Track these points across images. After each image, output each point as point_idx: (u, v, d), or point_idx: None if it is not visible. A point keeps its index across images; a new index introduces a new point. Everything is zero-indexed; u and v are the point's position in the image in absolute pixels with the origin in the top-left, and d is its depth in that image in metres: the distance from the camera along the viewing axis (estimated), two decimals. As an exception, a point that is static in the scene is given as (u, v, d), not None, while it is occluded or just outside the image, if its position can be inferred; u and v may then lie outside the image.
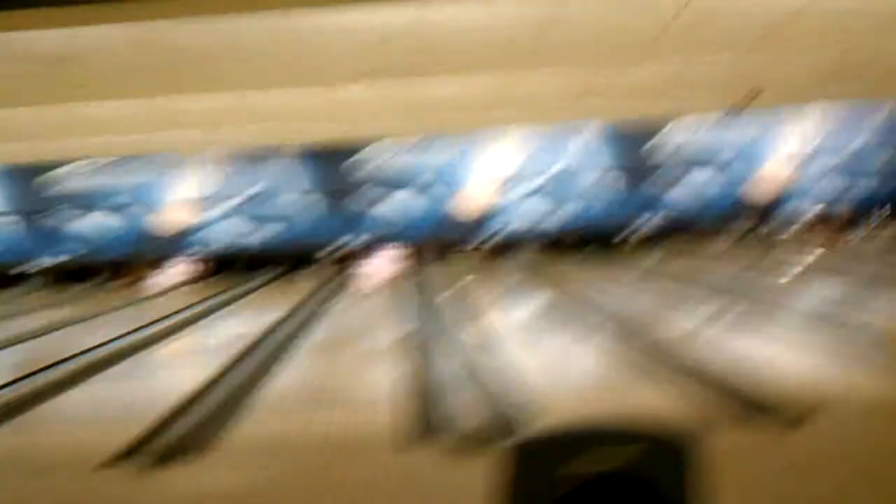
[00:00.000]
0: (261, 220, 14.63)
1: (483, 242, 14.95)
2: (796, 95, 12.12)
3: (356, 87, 8.15)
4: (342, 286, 11.78)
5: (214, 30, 5.77)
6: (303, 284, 12.28)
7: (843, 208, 15.08)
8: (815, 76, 9.66)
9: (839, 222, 15.25)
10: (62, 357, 6.57)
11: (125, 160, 14.35)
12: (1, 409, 4.87)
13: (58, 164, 14.21)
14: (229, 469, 3.54)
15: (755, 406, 3.97)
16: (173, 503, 3.26)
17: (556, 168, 14.70)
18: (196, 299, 11.10)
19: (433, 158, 14.65)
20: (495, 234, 14.80)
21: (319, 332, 7.64)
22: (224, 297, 11.12)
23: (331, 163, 14.60)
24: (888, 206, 15.29)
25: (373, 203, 14.70)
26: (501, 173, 14.72)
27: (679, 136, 14.78)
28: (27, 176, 14.33)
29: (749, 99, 10.27)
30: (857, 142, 14.92)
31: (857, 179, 14.93)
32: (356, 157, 14.62)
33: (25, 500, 3.37)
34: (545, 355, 6.24)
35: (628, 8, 6.12)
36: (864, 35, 7.52)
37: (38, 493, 3.44)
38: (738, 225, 14.90)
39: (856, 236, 13.58)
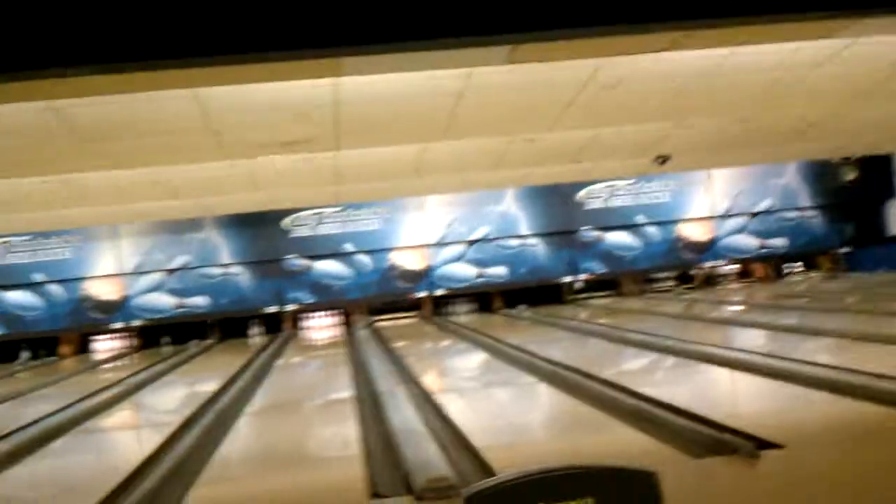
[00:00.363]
0: (188, 291, 14.57)
1: (413, 303, 15.23)
2: (702, 160, 12.63)
3: (277, 158, 8.23)
4: (279, 350, 11.78)
5: (121, 107, 5.80)
6: (238, 351, 12.26)
7: (758, 262, 15.93)
8: (718, 143, 10.08)
9: (758, 272, 16.01)
10: (4, 432, 6.48)
11: (45, 236, 14.20)
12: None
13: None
14: None
15: (710, 443, 4.08)
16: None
17: (480, 232, 15.04)
18: (132, 370, 10.94)
19: (358, 225, 14.85)
20: (426, 294, 15.02)
21: (262, 396, 7.64)
22: (161, 366, 10.98)
23: (255, 231, 14.66)
24: (800, 263, 16.15)
25: (301, 269, 14.77)
26: (427, 238, 14.96)
27: (595, 199, 15.32)
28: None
29: (658, 164, 10.64)
30: (764, 203, 15.71)
31: (767, 238, 15.73)
32: (280, 225, 14.71)
33: None
34: (493, 407, 6.33)
35: (537, 80, 6.33)
36: (759, 102, 7.89)
37: None
38: (662, 278, 15.80)
39: (774, 287, 14.11)
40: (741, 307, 12.42)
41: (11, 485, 5.12)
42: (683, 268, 15.92)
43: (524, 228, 15.19)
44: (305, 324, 15.21)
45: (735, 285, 15.90)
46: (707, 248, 15.70)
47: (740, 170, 15.49)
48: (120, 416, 7.72)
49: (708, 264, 15.86)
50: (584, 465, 1.92)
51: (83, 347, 15.02)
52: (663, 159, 10.59)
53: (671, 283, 16.20)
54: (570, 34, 3.39)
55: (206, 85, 4.90)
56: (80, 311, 14.48)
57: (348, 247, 14.86)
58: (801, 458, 3.83)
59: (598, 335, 9.97)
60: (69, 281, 14.48)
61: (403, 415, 5.68)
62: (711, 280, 16.14)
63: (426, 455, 4.39)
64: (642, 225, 15.45)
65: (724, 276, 16.23)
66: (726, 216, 15.72)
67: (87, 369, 12.35)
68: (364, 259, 14.92)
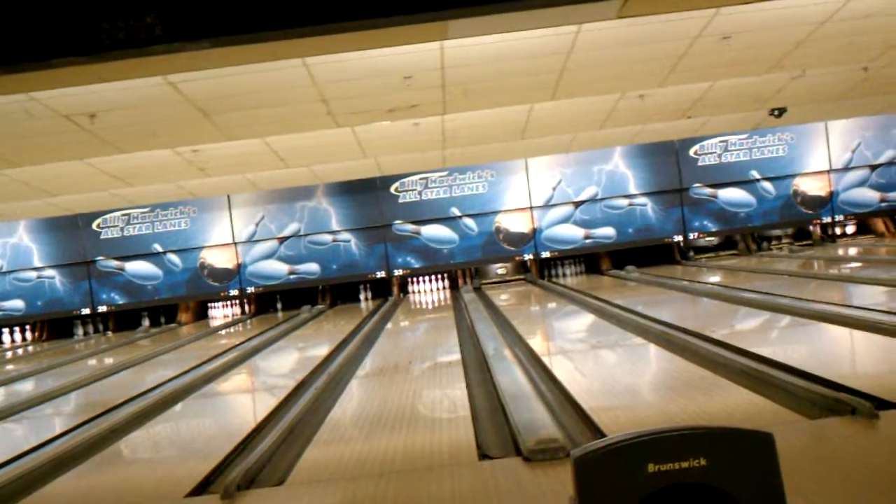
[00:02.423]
0: (299, 258, 14.91)
1: (522, 265, 15.25)
2: (820, 112, 12.15)
3: (384, 124, 8.30)
4: (388, 315, 11.98)
5: (235, 79, 5.93)
6: (349, 315, 12.53)
7: (879, 216, 15.32)
8: (837, 93, 9.68)
9: (879, 227, 15.41)
10: (127, 398, 6.83)
11: (163, 207, 14.72)
12: (77, 447, 5.04)
13: (96, 216, 14.62)
14: (309, 497, 3.63)
15: (827, 404, 3.99)
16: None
17: (587, 193, 14.87)
18: (247, 336, 11.30)
19: (463, 189, 14.88)
20: (533, 256, 15.00)
21: (372, 359, 7.80)
22: (274, 332, 11.31)
23: (363, 198, 14.85)
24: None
25: (408, 235, 14.92)
26: (533, 201, 14.89)
27: (708, 155, 14.94)
28: (66, 227, 14.72)
29: (773, 117, 10.29)
30: (886, 154, 15.02)
31: (889, 191, 15.05)
32: (387, 190, 14.86)
33: None
34: (602, 369, 6.30)
35: (647, 34, 6.19)
36: (881, 49, 7.53)
37: None
38: (777, 235, 15.38)
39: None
40: (860, 264, 11.97)
41: (133, 446, 5.37)
42: (800, 224, 15.40)
43: (633, 187, 14.94)
44: (413, 288, 15.39)
45: (854, 241, 15.31)
46: (825, 204, 15.14)
47: (860, 120, 14.83)
48: (236, 380, 7.97)
49: (826, 220, 15.29)
50: (697, 427, 1.89)
51: (201, 314, 15.58)
52: (779, 112, 10.24)
53: (787, 240, 15.72)
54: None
55: (314, 54, 4.96)
56: (197, 280, 14.98)
57: (454, 211, 14.91)
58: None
59: (709, 295, 9.77)
60: (187, 251, 14.98)
61: (511, 377, 5.70)
62: (829, 236, 15.59)
63: (534, 417, 4.40)
64: (757, 181, 15.00)
65: (843, 232, 15.65)
66: (845, 169, 15.11)
67: (205, 335, 12.79)
68: (470, 223, 14.94)
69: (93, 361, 11.10)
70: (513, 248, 14.99)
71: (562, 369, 6.17)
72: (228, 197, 14.80)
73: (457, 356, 7.21)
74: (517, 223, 14.97)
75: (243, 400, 7.31)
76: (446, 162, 12.87)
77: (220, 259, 14.99)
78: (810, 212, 15.14)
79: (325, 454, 4.39)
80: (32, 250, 14.95)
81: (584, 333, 8.60)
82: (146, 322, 15.44)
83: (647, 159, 14.87)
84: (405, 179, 14.87)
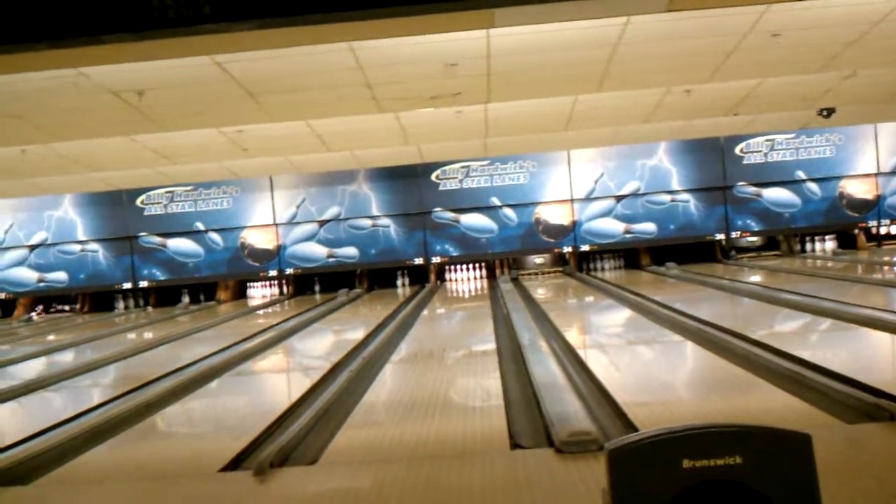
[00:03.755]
0: (338, 242, 14.99)
1: (560, 257, 15.20)
2: (870, 114, 11.94)
3: (427, 111, 8.30)
4: (424, 301, 12.01)
5: (281, 62, 5.96)
6: (385, 301, 12.58)
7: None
8: (888, 95, 9.51)
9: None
10: (165, 372, 6.93)
11: (206, 186, 14.87)
12: (113, 420, 5.13)
13: (140, 192, 14.81)
14: (341, 478, 3.65)
15: (865, 409, 3.94)
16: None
17: (629, 187, 14.77)
18: (285, 317, 11.41)
19: (504, 179, 14.85)
20: (572, 249, 14.94)
21: (407, 345, 7.83)
22: (311, 313, 11.39)
23: (404, 184, 14.89)
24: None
25: (447, 222, 14.93)
26: (574, 193, 14.82)
27: (754, 153, 14.76)
28: (110, 202, 14.93)
29: (822, 117, 10.14)
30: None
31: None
32: (428, 178, 14.87)
33: (160, 500, 3.60)
34: (637, 364, 6.30)
35: (696, 28, 6.12)
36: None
37: (173, 492, 3.67)
38: (825, 235, 15.17)
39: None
40: (907, 270, 11.76)
41: (168, 421, 5.43)
42: (845, 227, 15.17)
43: (676, 184, 14.81)
44: (450, 276, 15.41)
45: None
46: (871, 207, 14.89)
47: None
48: (272, 359, 8.03)
49: (872, 223, 15.05)
50: (732, 424, 1.87)
51: (240, 293, 15.73)
52: (828, 112, 10.08)
53: (831, 242, 15.50)
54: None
55: (361, 38, 4.97)
56: (237, 259, 15.12)
57: (494, 200, 14.89)
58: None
59: (749, 295, 9.67)
60: (228, 230, 15.12)
61: (546, 368, 5.68)
62: (875, 240, 15.34)
63: (568, 409, 4.38)
64: (802, 181, 14.79)
65: (889, 234, 15.39)
66: (894, 173, 14.85)
67: (243, 314, 12.91)
68: (509, 213, 14.91)
69: (132, 335, 11.25)
70: (552, 240, 14.94)
71: (597, 363, 6.14)
72: (270, 178, 14.91)
73: (492, 345, 7.20)
74: (557, 215, 14.91)
75: (278, 380, 7.37)
76: (488, 151, 12.85)
77: (261, 239, 15.11)
78: (856, 214, 14.91)
79: (357, 436, 4.42)
80: (77, 224, 15.18)
81: (620, 328, 8.56)
82: (186, 299, 15.62)
83: (691, 155, 14.73)
84: (446, 167, 14.87)
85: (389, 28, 3.93)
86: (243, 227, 15.12)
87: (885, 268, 12.19)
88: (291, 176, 14.75)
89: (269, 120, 8.05)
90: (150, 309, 15.28)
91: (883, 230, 15.37)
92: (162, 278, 15.20)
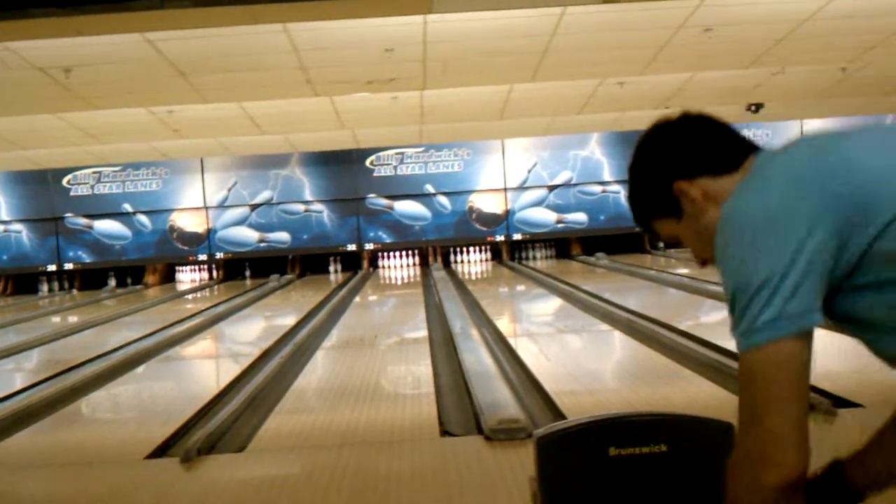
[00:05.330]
0: (270, 227, 14.83)
1: (492, 246, 15.26)
2: (797, 110, 12.24)
3: (363, 95, 8.25)
4: (357, 288, 11.96)
5: (215, 41, 5.87)
6: (317, 287, 12.49)
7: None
8: (815, 92, 9.75)
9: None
10: (89, 357, 6.77)
11: (135, 167, 14.57)
12: (38, 404, 5.02)
13: (67, 172, 14.44)
14: (269, 465, 3.63)
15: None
16: (217, 492, 3.36)
17: (562, 177, 14.90)
18: (214, 302, 11.26)
19: (438, 167, 14.86)
20: (504, 238, 15.02)
21: (338, 332, 7.79)
22: (241, 299, 11.26)
23: (338, 169, 14.79)
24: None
25: (381, 209, 14.88)
26: (507, 182, 14.90)
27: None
28: (35, 182, 14.53)
29: (751, 112, 10.35)
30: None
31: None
32: (362, 163, 14.80)
33: (86, 486, 3.52)
34: (567, 353, 6.36)
35: (631, 21, 6.19)
36: (860, 51, 7.59)
37: (96, 479, 3.61)
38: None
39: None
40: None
41: (94, 407, 5.33)
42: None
43: (607, 175, 14.99)
44: (383, 263, 15.37)
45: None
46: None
47: (837, 120, 14.93)
48: (201, 345, 7.94)
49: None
50: (658, 413, 1.91)
51: (168, 277, 15.48)
52: (756, 107, 10.30)
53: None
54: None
55: (297, 20, 4.92)
56: (166, 242, 14.86)
57: (429, 188, 14.89)
58: (879, 418, 3.74)
59: (676, 286, 9.84)
60: (157, 212, 14.85)
61: (476, 356, 5.71)
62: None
63: (497, 397, 4.42)
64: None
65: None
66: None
67: (171, 299, 12.72)
68: (443, 201, 14.93)
69: (56, 319, 11.01)
70: (485, 229, 15.01)
71: (527, 351, 6.19)
72: (202, 160, 14.67)
73: (423, 333, 7.21)
74: (491, 203, 14.98)
75: (207, 365, 7.28)
76: (423, 138, 12.84)
77: (190, 223, 14.88)
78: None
79: (287, 423, 4.39)
80: (0, 203, 14.76)
81: (551, 317, 8.64)
82: (112, 282, 15.31)
83: (622, 147, 14.90)
84: (381, 153, 14.81)
85: (326, 11, 3.90)
86: (172, 210, 14.87)
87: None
88: (223, 158, 14.54)
89: (202, 101, 7.92)
90: (75, 292, 14.94)
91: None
92: (88, 261, 14.87)
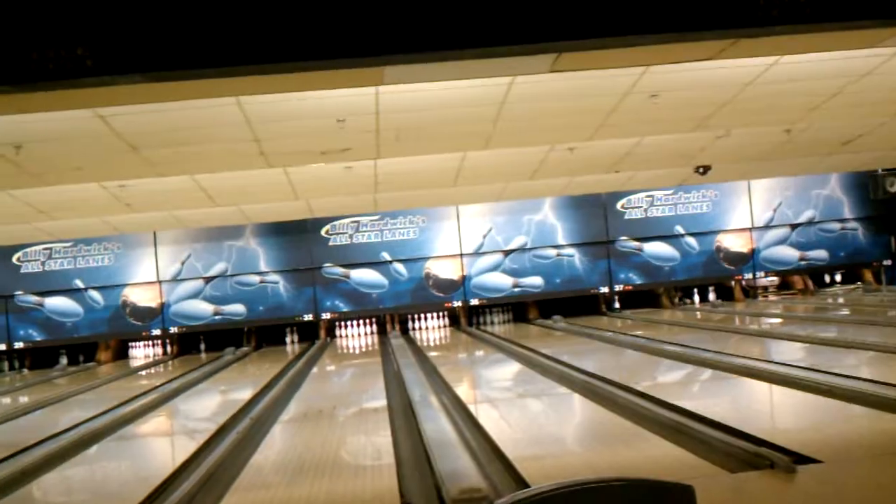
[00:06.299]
0: (225, 299, 14.68)
1: (450, 312, 15.23)
2: (743, 171, 12.50)
3: (316, 166, 8.28)
4: (314, 359, 11.84)
5: (166, 115, 5.87)
6: (274, 358, 12.34)
7: (799, 274, 15.79)
8: (760, 153, 9.98)
9: (798, 284, 15.86)
10: (41, 438, 6.58)
11: (86, 242, 14.40)
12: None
13: (17, 249, 14.22)
14: None
15: (747, 457, 4.04)
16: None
17: (517, 242, 15.00)
18: (169, 377, 11.06)
19: (394, 234, 14.88)
20: (461, 303, 15.01)
21: (296, 404, 7.69)
22: (197, 373, 11.08)
23: (293, 240, 14.74)
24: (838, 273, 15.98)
25: (337, 278, 14.83)
26: (463, 248, 14.96)
27: (634, 209, 15.23)
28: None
29: (698, 174, 10.55)
30: (807, 213, 15.51)
31: (809, 249, 15.52)
32: (317, 233, 14.78)
33: None
34: (527, 418, 6.32)
35: (579, 88, 6.31)
36: (803, 113, 7.80)
37: None
38: (700, 289, 15.71)
39: (814, 299, 13.91)
40: (780, 319, 12.26)
41: (45, 490, 5.18)
42: (722, 279, 15.75)
43: (561, 238, 15.13)
44: (341, 332, 15.27)
45: (775, 298, 15.71)
46: (747, 260, 15.52)
47: (781, 180, 15.30)
48: (155, 422, 7.78)
49: (747, 276, 15.67)
50: (619, 479, 1.90)
51: (121, 353, 15.19)
52: (704, 169, 10.50)
53: (710, 294, 16.03)
54: (615, 42, 3.36)
55: (248, 93, 4.94)
56: (118, 318, 14.63)
57: (385, 255, 14.90)
58: (839, 474, 3.77)
59: (633, 347, 9.89)
60: (109, 287, 14.64)
61: (437, 424, 5.67)
62: (750, 292, 15.96)
63: (459, 465, 4.38)
64: (681, 236, 15.32)
65: (764, 287, 16.04)
66: (767, 227, 15.53)
67: (125, 376, 12.48)
68: (400, 268, 14.93)
69: (6, 400, 10.72)
70: (442, 295, 15.01)
71: (487, 418, 6.15)
72: (154, 234, 14.55)
73: (383, 402, 7.14)
74: (447, 270, 15.00)
75: (162, 443, 7.13)
76: (378, 206, 12.87)
77: (144, 297, 14.68)
78: (732, 268, 15.51)
79: (245, 500, 4.30)
80: (-54, 282, 14.46)
81: (510, 382, 8.62)
82: (64, 360, 14.96)
83: (575, 211, 15.09)
84: (336, 222, 14.82)
85: (279, 84, 3.92)
86: (125, 285, 14.67)
87: (760, 319, 12.68)
88: (176, 232, 14.42)
89: (154, 174, 7.88)
90: (25, 371, 14.58)
91: (758, 282, 15.99)
92: (38, 339, 14.56)
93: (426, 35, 3.27)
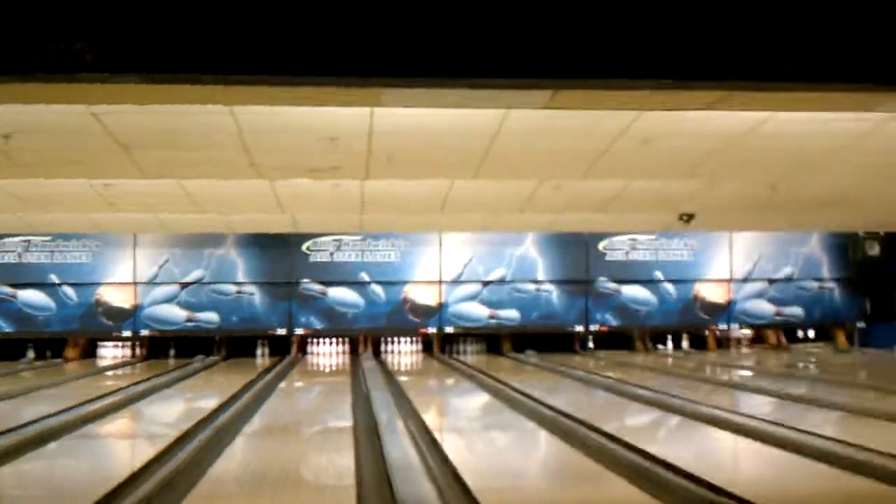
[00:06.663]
0: (199, 306, 14.61)
1: (424, 338, 15.20)
2: (727, 222, 12.61)
3: (304, 181, 8.28)
4: (284, 373, 11.77)
5: (160, 118, 5.87)
6: (243, 370, 12.25)
7: (772, 329, 15.92)
8: (745, 206, 10.07)
9: (771, 339, 15.99)
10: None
11: (65, 238, 14.32)
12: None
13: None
14: None
15: (709, 501, 4.05)
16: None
17: (496, 273, 15.04)
18: (135, 380, 10.97)
19: (375, 256, 14.89)
20: (437, 330, 14.99)
21: (261, 417, 7.64)
22: (164, 378, 10.99)
23: (273, 252, 14.71)
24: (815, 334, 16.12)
25: (314, 294, 14.79)
26: (442, 275, 14.98)
27: (616, 251, 15.31)
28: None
29: (683, 222, 10.63)
30: (785, 270, 15.65)
31: (785, 305, 15.65)
32: (298, 248, 14.77)
33: None
34: (492, 450, 6.32)
35: (572, 127, 6.36)
36: (790, 169, 7.89)
37: None
38: (674, 335, 15.80)
39: (786, 355, 14.00)
40: (751, 372, 12.32)
41: (6, 479, 5.12)
42: (697, 328, 15.83)
43: (541, 274, 15.17)
44: (313, 349, 15.20)
45: (747, 350, 15.79)
46: (722, 311, 15.62)
47: (763, 234, 15.44)
48: (117, 424, 7.70)
49: (722, 327, 15.76)
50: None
51: (90, 352, 15.05)
52: (688, 217, 10.58)
53: (684, 342, 16.11)
54: (612, 84, 3.40)
55: (244, 103, 4.95)
56: (90, 316, 14.52)
57: (363, 276, 14.88)
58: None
59: (604, 387, 9.91)
60: (83, 285, 14.54)
61: (401, 449, 5.65)
62: (724, 342, 16.05)
63: (420, 492, 4.36)
64: (660, 281, 15.40)
65: (738, 340, 16.13)
66: (745, 280, 15.65)
67: (91, 374, 12.36)
68: (378, 290, 14.92)
69: (-32, 389, 10.58)
70: (418, 320, 14.99)
71: (452, 446, 6.13)
72: (134, 236, 14.48)
73: (348, 423, 7.11)
74: (425, 295, 15.00)
75: (122, 445, 7.05)
76: (363, 226, 12.88)
77: (118, 297, 14.59)
78: (708, 317, 15.59)
79: (202, 509, 4.26)
80: (-81, 266, 14.32)
81: (478, 412, 8.60)
82: (31, 354, 14.82)
83: (557, 248, 15.15)
84: (318, 239, 14.81)
85: (276, 96, 3.94)
86: (100, 284, 14.58)
87: (732, 370, 12.73)
88: (156, 235, 14.36)
89: (141, 176, 7.86)
90: (-9, 362, 14.42)
91: (733, 334, 16.08)
92: (8, 330, 14.43)
93: (425, 60, 3.30)
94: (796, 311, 15.77)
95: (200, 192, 9.03)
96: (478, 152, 7.05)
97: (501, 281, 15.10)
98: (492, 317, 15.09)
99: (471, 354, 15.19)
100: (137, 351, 15.04)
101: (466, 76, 3.28)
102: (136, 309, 14.59)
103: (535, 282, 15.17)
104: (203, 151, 6.99)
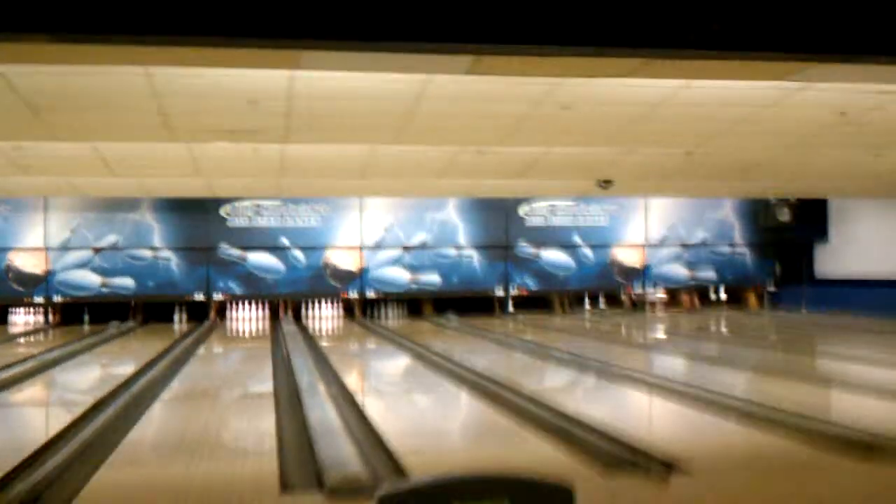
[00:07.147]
0: (114, 271, 14.30)
1: (345, 302, 15.17)
2: (643, 188, 12.84)
3: (222, 144, 8.14)
4: (202, 339, 11.62)
5: (70, 78, 5.69)
6: (160, 336, 12.06)
7: (686, 292, 16.32)
8: (661, 172, 10.26)
9: (685, 302, 16.38)
10: None
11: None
12: None
13: None
14: None
15: (623, 464, 4.15)
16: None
17: (418, 238, 15.06)
18: (48, 346, 10.71)
19: (295, 221, 14.76)
20: (358, 295, 14.97)
21: (179, 383, 7.54)
22: (78, 345, 10.75)
23: (191, 217, 14.46)
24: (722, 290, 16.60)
25: (233, 260, 14.61)
26: (363, 240, 14.95)
27: (536, 216, 15.48)
28: None
29: (601, 187, 10.78)
30: (698, 235, 16.05)
31: (698, 269, 16.06)
32: (216, 212, 14.55)
33: None
34: (413, 412, 6.38)
35: (494, 93, 6.38)
36: (705, 137, 8.06)
37: None
38: (592, 298, 16.07)
39: (699, 317, 14.38)
40: (665, 334, 12.64)
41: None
42: (614, 291, 16.14)
43: (462, 239, 15.25)
44: (232, 314, 15.04)
45: (662, 313, 16.17)
46: (638, 275, 15.95)
47: (678, 200, 15.79)
48: (30, 391, 7.54)
49: (638, 290, 16.10)
50: (500, 474, 1.94)
51: (0, 319, 14.64)
52: (606, 183, 10.74)
53: (601, 304, 16.41)
54: (532, 50, 3.42)
55: (159, 64, 4.83)
56: (0, 282, 14.10)
57: (284, 241, 14.75)
58: (710, 485, 3.92)
59: (523, 349, 10.05)
60: (-5, 248, 14.12)
61: (322, 412, 5.66)
62: (639, 305, 16.40)
63: (341, 454, 4.38)
64: (578, 246, 15.63)
65: (653, 303, 16.50)
66: (660, 245, 16.00)
67: (2, 342, 12.03)
68: (298, 255, 14.81)
69: None
70: (339, 285, 14.95)
71: (374, 409, 6.17)
72: (45, 199, 14.08)
73: (269, 387, 7.08)
74: (346, 260, 14.95)
75: (35, 413, 6.91)
76: (282, 191, 12.74)
77: (28, 263, 14.18)
78: (624, 281, 15.91)
79: (118, 477, 4.21)
80: None
81: (399, 375, 8.65)
82: (-63, 321, 14.36)
83: (478, 213, 15.24)
84: (237, 203, 14.61)
85: (191, 57, 3.85)
86: (10, 249, 14.15)
87: (646, 331, 13.04)
88: (69, 199, 13.98)
89: (52, 139, 7.62)
90: None
91: (649, 297, 16.44)
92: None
93: (346, 24, 3.26)
94: (710, 274, 16.19)
95: (114, 155, 8.80)
96: (400, 117, 7.02)
97: (423, 246, 15.14)
98: (413, 281, 15.14)
99: (392, 318, 15.22)
100: (50, 317, 14.67)
101: (387, 39, 3.26)
102: (49, 275, 14.22)
103: (457, 246, 15.25)
104: (117, 114, 6.81)
